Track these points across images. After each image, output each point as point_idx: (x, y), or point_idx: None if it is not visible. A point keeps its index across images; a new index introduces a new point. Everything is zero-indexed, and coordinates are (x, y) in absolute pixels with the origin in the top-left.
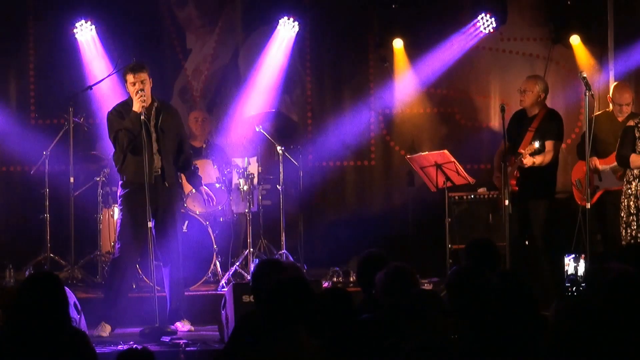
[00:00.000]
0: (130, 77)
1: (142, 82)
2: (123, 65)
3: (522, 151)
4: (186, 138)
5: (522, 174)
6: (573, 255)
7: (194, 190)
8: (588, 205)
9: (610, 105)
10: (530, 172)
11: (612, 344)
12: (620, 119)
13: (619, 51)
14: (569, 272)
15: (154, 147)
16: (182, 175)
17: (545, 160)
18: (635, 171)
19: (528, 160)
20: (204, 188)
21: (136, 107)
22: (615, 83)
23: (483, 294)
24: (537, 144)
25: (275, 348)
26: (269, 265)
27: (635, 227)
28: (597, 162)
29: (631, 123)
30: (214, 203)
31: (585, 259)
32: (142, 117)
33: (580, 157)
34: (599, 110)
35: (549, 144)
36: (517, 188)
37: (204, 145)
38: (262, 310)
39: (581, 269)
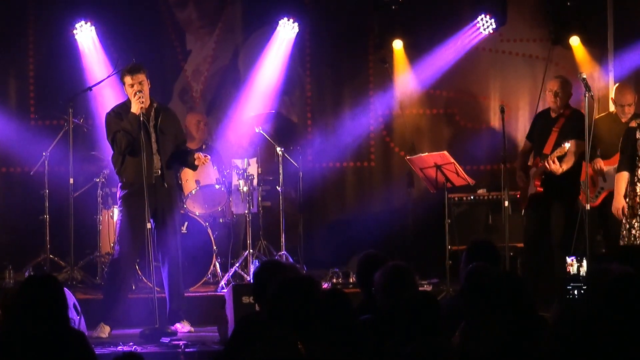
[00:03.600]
0: (128, 79)
1: (140, 83)
2: (122, 67)
3: (549, 154)
4: (185, 141)
5: (547, 175)
6: (575, 257)
7: (193, 191)
8: (588, 207)
9: (612, 106)
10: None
11: (611, 346)
12: (624, 120)
13: (619, 52)
14: (572, 274)
15: (154, 148)
16: (182, 176)
17: (570, 164)
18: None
19: (556, 168)
20: (198, 154)
21: (134, 108)
22: (617, 84)
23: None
24: (567, 146)
25: (274, 349)
26: (272, 266)
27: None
28: (601, 164)
29: (633, 124)
30: (209, 160)
31: (585, 261)
32: (142, 118)
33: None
34: (598, 112)
35: (572, 144)
36: (541, 189)
37: (204, 147)
38: (266, 309)
39: (581, 271)
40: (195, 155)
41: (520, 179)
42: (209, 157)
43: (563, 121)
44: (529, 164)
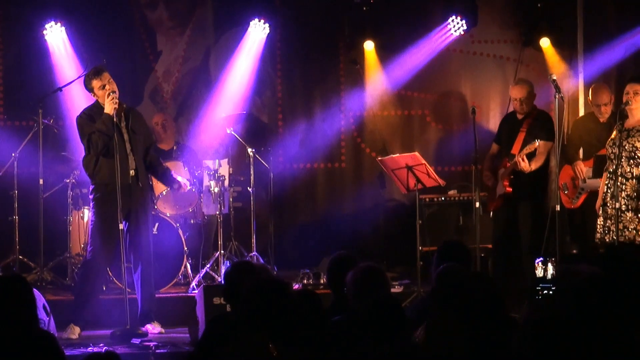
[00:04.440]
0: (96, 83)
1: (109, 82)
2: (89, 70)
3: (517, 154)
4: (153, 142)
5: (515, 176)
6: (541, 259)
7: (164, 192)
8: (557, 208)
9: (583, 108)
10: (522, 174)
11: (580, 347)
12: (601, 120)
13: (589, 54)
14: (538, 275)
15: (127, 148)
16: (152, 177)
17: (539, 163)
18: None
19: (525, 166)
20: (178, 177)
21: (108, 109)
22: (593, 84)
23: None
24: (537, 143)
25: (245, 351)
26: (243, 267)
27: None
28: (581, 165)
29: (616, 127)
30: (186, 187)
31: (553, 262)
32: (115, 119)
33: (565, 161)
34: (568, 113)
35: (540, 145)
36: (510, 189)
37: (175, 147)
38: (238, 310)
39: (550, 272)
40: (183, 184)
41: (487, 178)
42: (188, 184)
43: (530, 122)
44: (498, 166)
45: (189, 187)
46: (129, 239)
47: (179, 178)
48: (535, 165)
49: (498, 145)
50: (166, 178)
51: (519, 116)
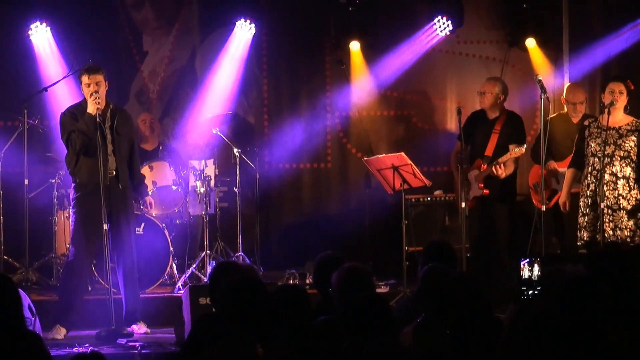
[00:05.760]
0: (85, 79)
1: (96, 83)
2: (78, 68)
3: (491, 156)
4: (137, 145)
5: (487, 177)
6: (527, 260)
7: (150, 192)
8: (543, 208)
9: (565, 107)
10: (494, 176)
11: (565, 347)
12: (575, 120)
13: (574, 54)
14: (524, 276)
15: (109, 149)
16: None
17: (512, 169)
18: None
19: (502, 173)
20: (149, 198)
21: (90, 108)
22: (569, 84)
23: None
24: (516, 151)
25: (231, 350)
26: (228, 267)
27: (586, 227)
28: (554, 165)
29: (586, 123)
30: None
31: (539, 262)
32: (98, 119)
33: (536, 161)
34: (554, 113)
35: (511, 150)
36: (487, 191)
37: (161, 148)
38: (218, 311)
39: (535, 273)
40: (148, 201)
41: (461, 181)
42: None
43: (502, 124)
44: (467, 167)
45: (151, 209)
46: (111, 240)
47: (147, 198)
48: (508, 170)
49: (461, 143)
50: (138, 190)
51: (490, 116)
